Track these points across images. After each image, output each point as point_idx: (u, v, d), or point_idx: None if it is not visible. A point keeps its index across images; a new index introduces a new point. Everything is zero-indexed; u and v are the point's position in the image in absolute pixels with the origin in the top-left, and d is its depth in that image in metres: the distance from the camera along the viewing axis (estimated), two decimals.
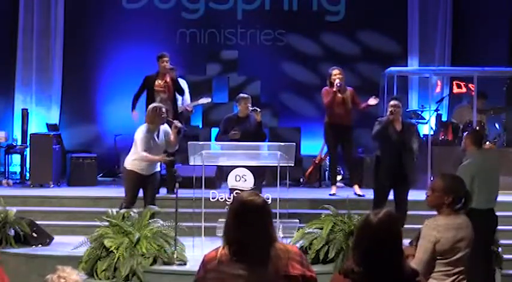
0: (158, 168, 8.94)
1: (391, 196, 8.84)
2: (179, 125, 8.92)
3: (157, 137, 8.68)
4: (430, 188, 4.67)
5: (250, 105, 9.90)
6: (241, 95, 10.18)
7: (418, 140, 8.97)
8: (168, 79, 10.39)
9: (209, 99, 11.74)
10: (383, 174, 8.82)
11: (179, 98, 10.90)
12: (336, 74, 10.28)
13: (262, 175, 9.83)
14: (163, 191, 10.22)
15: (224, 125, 10.00)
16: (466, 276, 4.60)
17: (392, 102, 8.92)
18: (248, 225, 3.55)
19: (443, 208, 4.58)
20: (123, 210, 8.17)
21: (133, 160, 8.61)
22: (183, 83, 11.34)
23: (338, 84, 10.17)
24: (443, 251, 4.48)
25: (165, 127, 8.80)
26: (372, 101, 10.26)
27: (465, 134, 7.72)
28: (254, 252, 3.52)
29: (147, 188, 8.69)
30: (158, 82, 10.34)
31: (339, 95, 10.24)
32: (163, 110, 8.72)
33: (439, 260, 4.49)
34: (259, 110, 9.85)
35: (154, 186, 8.85)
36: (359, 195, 10.21)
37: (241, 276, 3.51)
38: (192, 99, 11.39)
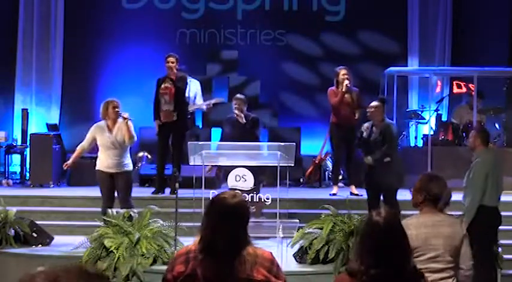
0: (129, 168, 8.72)
1: None
2: (126, 115, 8.68)
3: (111, 132, 8.65)
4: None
5: (243, 106, 9.84)
6: (236, 95, 10.21)
7: (388, 141, 8.74)
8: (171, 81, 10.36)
9: (222, 99, 11.71)
10: (366, 177, 8.87)
11: (191, 97, 10.99)
12: (344, 73, 10.30)
13: (262, 175, 9.81)
14: (167, 191, 10.24)
15: (223, 126, 10.08)
16: (455, 275, 4.60)
17: (371, 104, 8.92)
18: (218, 224, 3.49)
19: (420, 206, 4.72)
20: (119, 211, 8.18)
21: (97, 158, 8.74)
22: (195, 84, 11.38)
23: (348, 86, 10.20)
24: (415, 248, 4.52)
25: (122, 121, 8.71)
26: None
27: (471, 133, 7.81)
28: (220, 252, 3.47)
29: (117, 187, 8.64)
30: (164, 84, 10.32)
31: (346, 95, 10.26)
32: (115, 103, 8.67)
33: (417, 257, 4.52)
34: (237, 113, 9.79)
35: (124, 185, 8.62)
36: (356, 195, 10.21)
37: (202, 273, 3.48)
38: (204, 100, 11.48)
